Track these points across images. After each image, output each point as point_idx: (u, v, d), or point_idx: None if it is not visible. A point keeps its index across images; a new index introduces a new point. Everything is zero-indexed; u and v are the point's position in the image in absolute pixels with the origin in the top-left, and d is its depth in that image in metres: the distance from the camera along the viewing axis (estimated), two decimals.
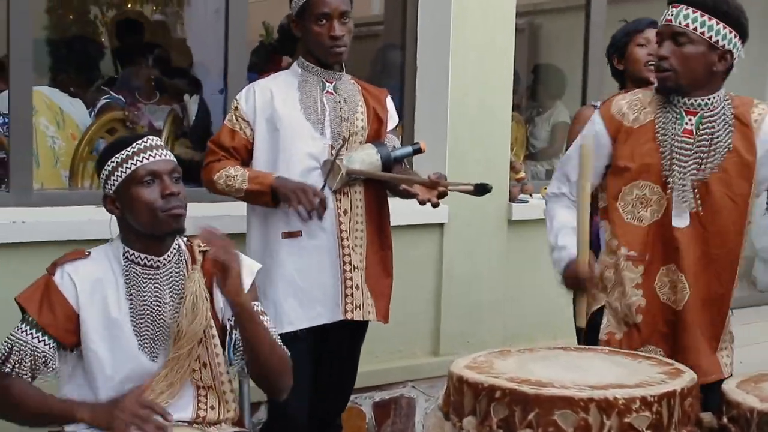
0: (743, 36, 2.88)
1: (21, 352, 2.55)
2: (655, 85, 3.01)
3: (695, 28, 2.81)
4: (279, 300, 3.22)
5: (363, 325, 3.42)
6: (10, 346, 2.57)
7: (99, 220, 3.50)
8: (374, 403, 4.38)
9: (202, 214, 3.34)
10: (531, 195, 4.99)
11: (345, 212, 3.26)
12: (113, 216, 2.66)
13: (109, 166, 2.61)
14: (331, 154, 3.23)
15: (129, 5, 9.57)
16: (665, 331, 2.96)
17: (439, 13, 4.55)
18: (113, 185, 2.61)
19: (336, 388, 3.49)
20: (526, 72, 7.15)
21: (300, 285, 3.25)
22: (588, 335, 3.05)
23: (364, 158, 3.24)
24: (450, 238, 4.57)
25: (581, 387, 2.18)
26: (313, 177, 3.24)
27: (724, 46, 2.84)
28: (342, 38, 3.24)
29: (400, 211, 3.74)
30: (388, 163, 3.28)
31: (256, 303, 2.71)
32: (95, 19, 8.27)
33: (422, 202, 3.19)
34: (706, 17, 2.82)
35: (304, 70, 3.33)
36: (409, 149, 3.37)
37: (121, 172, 2.59)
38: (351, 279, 3.25)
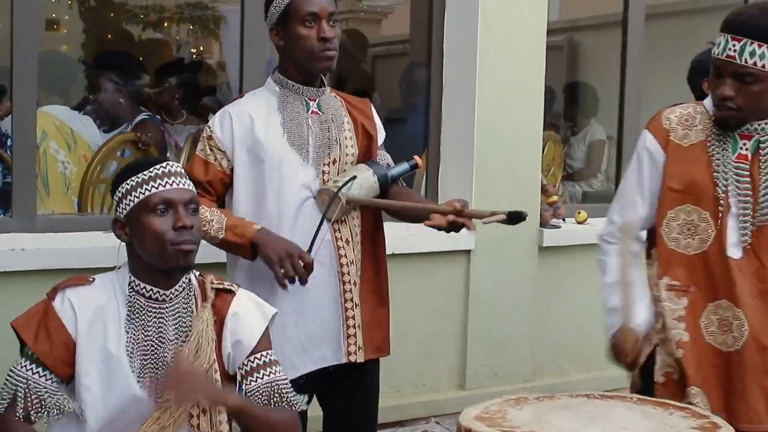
0: None
1: (25, 391, 2.42)
2: (712, 114, 2.77)
3: (763, 65, 2.59)
4: (280, 345, 2.89)
5: (374, 367, 3.16)
6: (10, 385, 2.43)
7: (105, 247, 3.35)
8: None
9: None
10: (564, 219, 4.83)
11: (347, 242, 3.00)
12: (121, 242, 2.52)
13: (123, 188, 2.48)
14: (323, 181, 2.97)
15: (165, 24, 9.60)
16: (712, 375, 2.71)
17: (465, 30, 4.44)
18: (124, 209, 2.47)
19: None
20: (561, 90, 7.07)
21: (301, 327, 2.97)
22: (643, 381, 2.84)
23: (361, 182, 2.95)
24: (477, 265, 4.44)
25: None
26: (307, 208, 2.96)
27: None
28: (332, 40, 2.92)
29: (424, 237, 3.58)
30: (386, 184, 3.01)
31: (268, 352, 2.56)
32: (129, 38, 8.27)
33: (441, 228, 2.87)
34: None
35: (283, 88, 3.01)
36: (405, 166, 3.07)
37: (135, 196, 2.45)
38: (353, 318, 3.00)
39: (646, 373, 2.80)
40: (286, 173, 2.94)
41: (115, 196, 2.51)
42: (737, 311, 2.67)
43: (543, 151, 4.87)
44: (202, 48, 9.98)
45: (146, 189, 2.44)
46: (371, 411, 3.21)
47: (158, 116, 5.29)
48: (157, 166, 2.47)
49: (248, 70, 4.04)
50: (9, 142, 4.07)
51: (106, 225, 3.66)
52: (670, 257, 2.73)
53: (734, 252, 2.67)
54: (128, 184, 2.46)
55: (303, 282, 2.88)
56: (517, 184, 4.52)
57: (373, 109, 3.17)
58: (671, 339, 2.73)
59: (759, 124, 2.67)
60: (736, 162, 2.67)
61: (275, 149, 2.94)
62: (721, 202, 2.67)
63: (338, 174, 2.98)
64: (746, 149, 2.68)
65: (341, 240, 2.98)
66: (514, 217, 2.79)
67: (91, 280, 2.52)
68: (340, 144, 3.00)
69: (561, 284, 4.73)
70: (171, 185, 2.45)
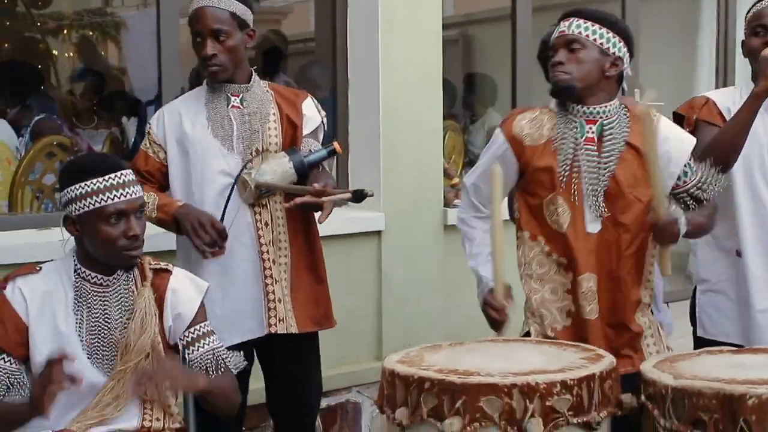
0: (630, 48, 3.03)
1: None
2: (550, 83, 3.07)
3: (587, 36, 2.96)
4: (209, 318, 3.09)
5: (310, 338, 3.39)
6: None
7: (41, 243, 3.56)
8: (321, 409, 4.37)
9: None
10: None
11: (266, 224, 3.23)
12: (68, 235, 2.73)
13: (76, 190, 2.65)
14: (246, 168, 3.20)
15: (66, 31, 9.57)
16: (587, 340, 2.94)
17: (368, 28, 4.64)
18: (77, 211, 2.65)
19: (294, 404, 3.46)
20: (460, 81, 7.27)
21: (227, 303, 3.21)
22: None
23: (276, 168, 3.18)
24: (388, 245, 4.64)
25: (505, 374, 2.29)
26: (228, 194, 3.21)
27: (614, 53, 2.98)
28: (214, 57, 3.17)
29: (338, 220, 3.73)
30: (302, 170, 3.20)
31: (204, 323, 2.83)
32: (34, 42, 8.26)
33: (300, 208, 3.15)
34: (596, 26, 2.96)
35: (211, 86, 3.29)
36: (323, 152, 3.27)
37: (89, 202, 2.63)
38: (273, 293, 3.23)
39: None
40: (208, 162, 3.22)
41: (63, 193, 2.68)
42: (594, 282, 2.95)
43: (444, 140, 5.10)
44: (103, 53, 10.00)
45: (102, 199, 2.63)
46: (312, 379, 3.49)
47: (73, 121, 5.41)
48: (113, 176, 2.65)
49: (165, 72, 4.18)
50: None
51: (40, 223, 3.86)
52: (553, 236, 2.99)
53: (593, 227, 2.96)
54: (82, 189, 2.63)
55: (220, 247, 3.14)
56: (421, 170, 4.74)
57: (307, 102, 3.37)
58: (563, 308, 2.98)
59: (601, 107, 2.98)
60: (585, 143, 2.98)
61: (199, 140, 3.23)
62: (574, 183, 2.96)
63: (262, 162, 3.21)
64: (592, 132, 2.98)
65: (260, 222, 3.23)
66: (359, 195, 3.13)
67: (38, 269, 2.73)
68: (262, 134, 3.24)
69: (465, 259, 5.00)
70: (125, 196, 2.66)
